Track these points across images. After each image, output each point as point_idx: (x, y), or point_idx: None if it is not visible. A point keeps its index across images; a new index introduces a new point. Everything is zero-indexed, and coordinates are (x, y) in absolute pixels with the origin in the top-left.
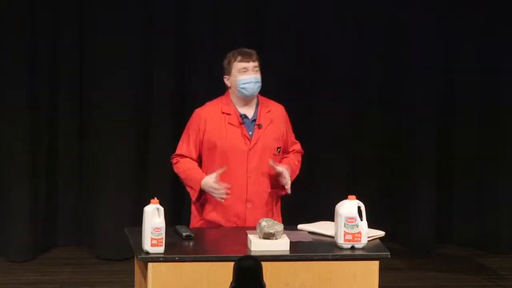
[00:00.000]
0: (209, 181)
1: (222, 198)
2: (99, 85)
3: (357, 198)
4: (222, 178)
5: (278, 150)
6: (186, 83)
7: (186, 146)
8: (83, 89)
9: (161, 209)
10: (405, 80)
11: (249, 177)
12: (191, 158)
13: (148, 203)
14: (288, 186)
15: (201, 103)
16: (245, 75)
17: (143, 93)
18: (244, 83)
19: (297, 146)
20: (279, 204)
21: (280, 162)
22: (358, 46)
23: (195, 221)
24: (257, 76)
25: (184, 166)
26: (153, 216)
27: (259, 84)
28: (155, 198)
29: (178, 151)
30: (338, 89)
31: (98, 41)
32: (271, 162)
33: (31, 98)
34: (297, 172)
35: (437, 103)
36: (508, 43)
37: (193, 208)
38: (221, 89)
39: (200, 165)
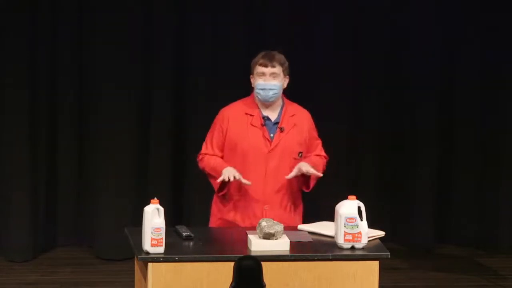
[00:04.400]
0: (233, 169)
1: (229, 179)
2: (98, 85)
3: (357, 198)
4: None
5: (300, 155)
6: (186, 82)
7: (210, 145)
8: (82, 89)
9: (161, 209)
10: (405, 80)
11: (267, 179)
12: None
13: (148, 203)
14: (312, 171)
15: (201, 102)
16: (260, 80)
17: (143, 92)
18: (259, 88)
19: (321, 152)
20: (300, 207)
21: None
22: (358, 46)
23: (214, 220)
24: (272, 83)
25: (209, 160)
26: (153, 216)
27: (274, 91)
28: (155, 198)
29: (203, 151)
30: (338, 89)
31: (98, 41)
32: (287, 177)
33: (31, 98)
34: (321, 166)
35: (437, 103)
36: (509, 43)
37: (213, 207)
38: (220, 87)
39: None
